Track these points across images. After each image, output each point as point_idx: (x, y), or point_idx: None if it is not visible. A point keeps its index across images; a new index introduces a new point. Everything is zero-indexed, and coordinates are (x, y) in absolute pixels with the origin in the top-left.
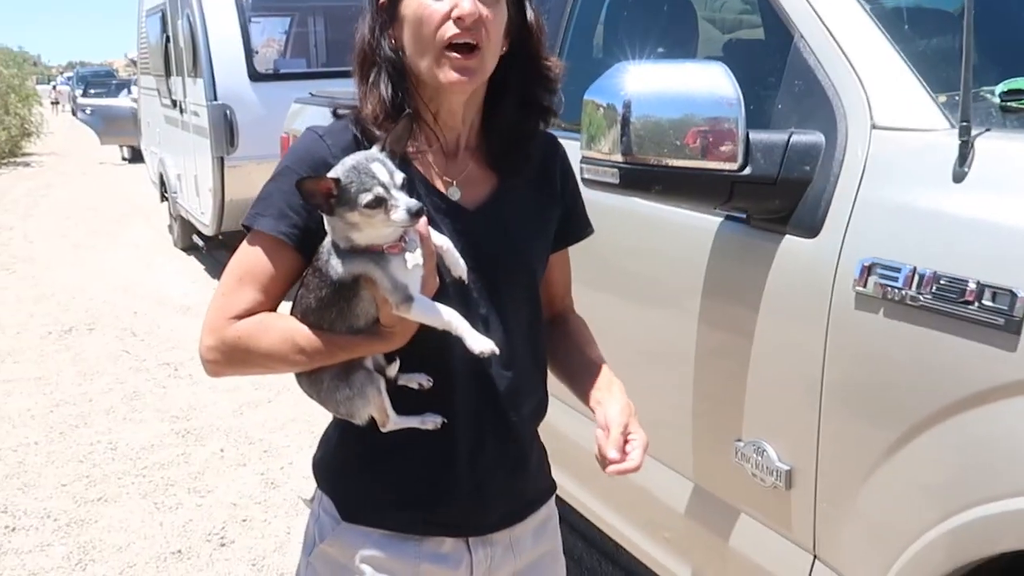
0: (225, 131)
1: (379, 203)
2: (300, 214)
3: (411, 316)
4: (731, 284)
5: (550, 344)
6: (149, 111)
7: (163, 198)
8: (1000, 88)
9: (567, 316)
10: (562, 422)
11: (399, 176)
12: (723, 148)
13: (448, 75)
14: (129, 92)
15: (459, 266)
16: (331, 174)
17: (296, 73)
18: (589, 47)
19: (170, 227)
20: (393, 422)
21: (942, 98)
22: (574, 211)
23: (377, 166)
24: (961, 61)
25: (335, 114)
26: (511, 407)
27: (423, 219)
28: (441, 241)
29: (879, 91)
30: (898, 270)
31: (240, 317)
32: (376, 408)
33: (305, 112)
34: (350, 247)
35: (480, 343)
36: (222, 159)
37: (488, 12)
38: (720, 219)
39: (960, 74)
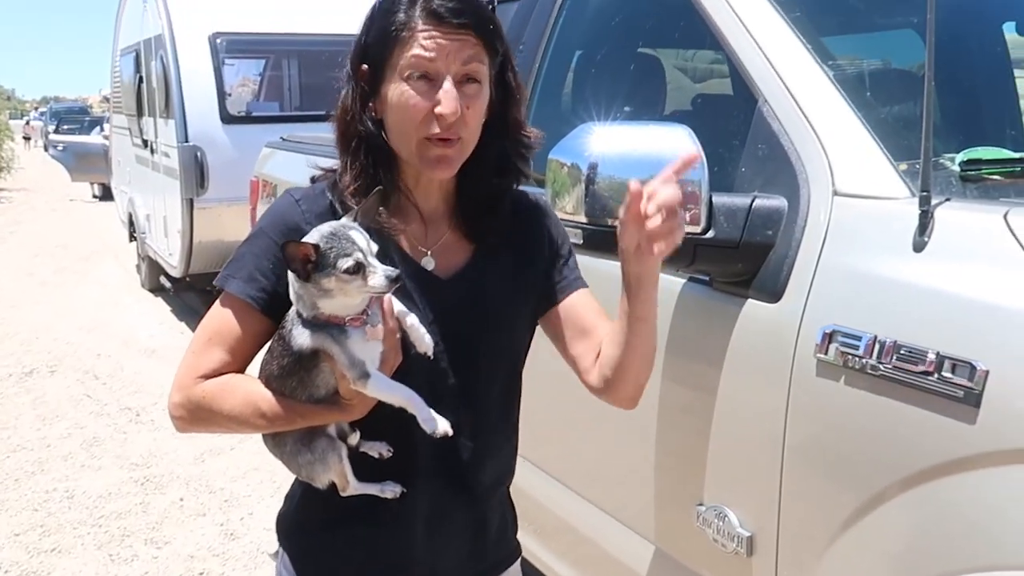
0: (195, 173)
1: (358, 269)
2: (269, 278)
3: (367, 392)
4: (694, 347)
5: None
6: (120, 150)
7: (132, 238)
8: (960, 157)
9: None
10: (527, 482)
11: (374, 246)
12: (686, 211)
13: (428, 165)
14: (102, 130)
15: (424, 342)
16: (308, 239)
17: (269, 116)
18: (558, 103)
19: (138, 267)
20: (353, 488)
21: (903, 166)
22: (571, 261)
23: (355, 234)
24: (921, 130)
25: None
26: (474, 476)
27: (388, 296)
28: (406, 316)
29: (841, 158)
30: (859, 338)
31: (208, 376)
32: (336, 474)
33: (276, 156)
34: (313, 317)
35: (435, 424)
36: (191, 201)
37: (470, 106)
38: (684, 281)
39: (921, 143)
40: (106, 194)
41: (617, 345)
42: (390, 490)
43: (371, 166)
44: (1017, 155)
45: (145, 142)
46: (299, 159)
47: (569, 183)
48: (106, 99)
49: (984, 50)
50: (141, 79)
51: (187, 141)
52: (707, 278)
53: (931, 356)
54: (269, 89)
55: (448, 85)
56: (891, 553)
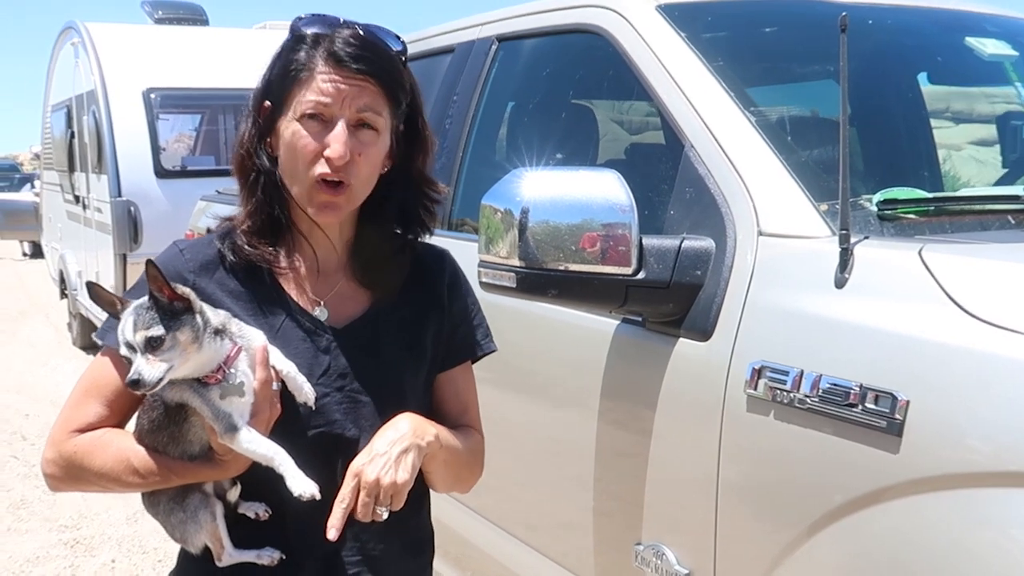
0: (128, 227)
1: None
2: None
3: (235, 447)
4: (628, 386)
5: None
6: (51, 206)
7: (63, 295)
8: (877, 197)
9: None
10: (470, 530)
11: (146, 334)
12: (617, 253)
13: (315, 208)
14: (32, 186)
15: (303, 392)
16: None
17: (204, 170)
18: (492, 151)
19: (69, 325)
20: (229, 554)
21: (824, 206)
22: (464, 328)
23: (129, 320)
24: (839, 172)
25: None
26: (373, 542)
27: (261, 346)
28: (283, 366)
29: (765, 199)
30: (786, 373)
31: (83, 431)
32: (210, 535)
33: (211, 209)
34: None
35: (301, 486)
36: (125, 256)
37: (362, 153)
38: (617, 322)
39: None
40: (36, 251)
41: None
42: (268, 555)
43: (267, 204)
44: (930, 195)
45: (77, 198)
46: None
47: (502, 228)
48: (37, 156)
49: (900, 98)
50: (73, 135)
51: (120, 196)
52: (640, 319)
53: (855, 388)
54: (205, 143)
55: (340, 128)
56: None
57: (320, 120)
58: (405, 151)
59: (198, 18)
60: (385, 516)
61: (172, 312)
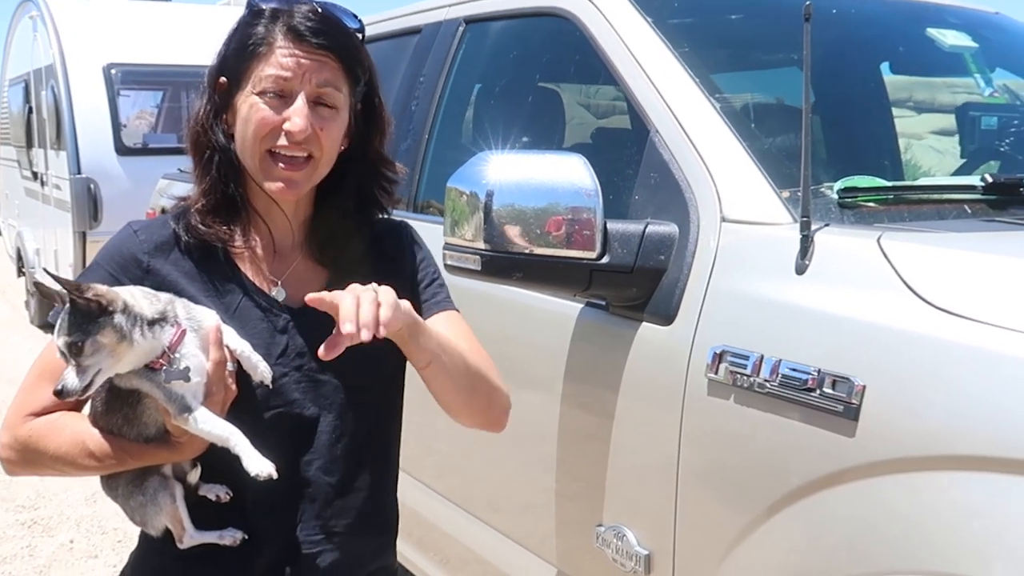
0: (88, 205)
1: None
2: None
3: (189, 428)
4: (592, 370)
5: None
6: (8, 182)
7: (20, 273)
8: (839, 185)
9: None
10: (433, 513)
11: (66, 340)
12: (582, 237)
13: (273, 184)
14: None
15: (258, 371)
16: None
17: (166, 148)
18: (458, 134)
19: (27, 303)
20: (190, 536)
21: (786, 193)
22: (430, 288)
23: (56, 323)
24: (801, 159)
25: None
26: (335, 519)
27: (214, 326)
28: (237, 345)
29: (728, 186)
30: (747, 358)
31: (38, 415)
32: (170, 517)
33: (173, 188)
34: None
35: (257, 465)
36: (84, 234)
37: (323, 126)
38: (581, 306)
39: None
40: None
41: (433, 392)
42: (230, 536)
43: (222, 182)
44: (890, 184)
45: (35, 174)
46: (189, 191)
47: (468, 211)
48: None
49: (863, 87)
50: (31, 110)
51: (80, 173)
52: (603, 303)
53: (813, 373)
54: (167, 120)
55: (300, 102)
56: (782, 565)
57: (279, 96)
58: (362, 130)
59: None
60: (366, 338)
61: (91, 315)
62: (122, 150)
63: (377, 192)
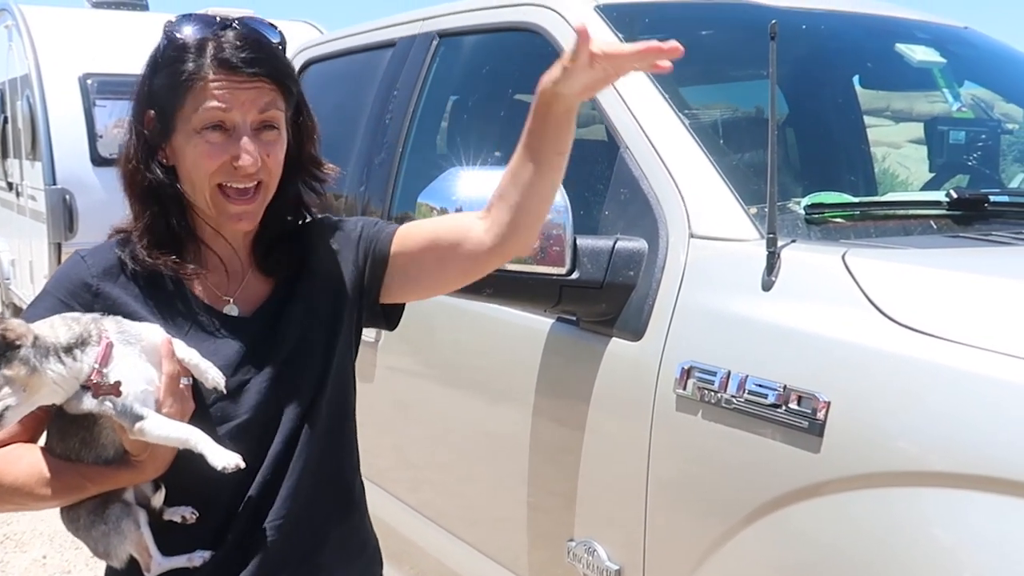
0: (64, 216)
1: None
2: None
3: (147, 437)
4: (562, 385)
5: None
6: None
7: None
8: (806, 201)
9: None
10: (408, 527)
11: None
12: (552, 252)
13: (229, 220)
14: None
15: (208, 377)
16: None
17: None
18: (432, 147)
19: (1, 315)
20: (157, 563)
21: (753, 210)
22: (376, 237)
23: None
24: (767, 176)
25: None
26: (302, 528)
27: (165, 339)
28: (185, 354)
29: (696, 202)
30: (714, 373)
31: None
32: (135, 545)
33: None
34: None
35: (222, 458)
36: (59, 245)
37: (269, 152)
38: (552, 321)
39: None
40: None
41: (525, 193)
42: (200, 557)
43: (163, 216)
44: (856, 200)
45: (10, 184)
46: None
47: None
48: None
49: (834, 102)
50: (6, 120)
51: (55, 184)
52: (574, 318)
53: (779, 389)
54: None
55: (246, 138)
56: None
57: (222, 129)
58: (294, 139)
59: (137, 3)
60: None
61: (1, 349)
62: (98, 160)
63: (309, 194)
